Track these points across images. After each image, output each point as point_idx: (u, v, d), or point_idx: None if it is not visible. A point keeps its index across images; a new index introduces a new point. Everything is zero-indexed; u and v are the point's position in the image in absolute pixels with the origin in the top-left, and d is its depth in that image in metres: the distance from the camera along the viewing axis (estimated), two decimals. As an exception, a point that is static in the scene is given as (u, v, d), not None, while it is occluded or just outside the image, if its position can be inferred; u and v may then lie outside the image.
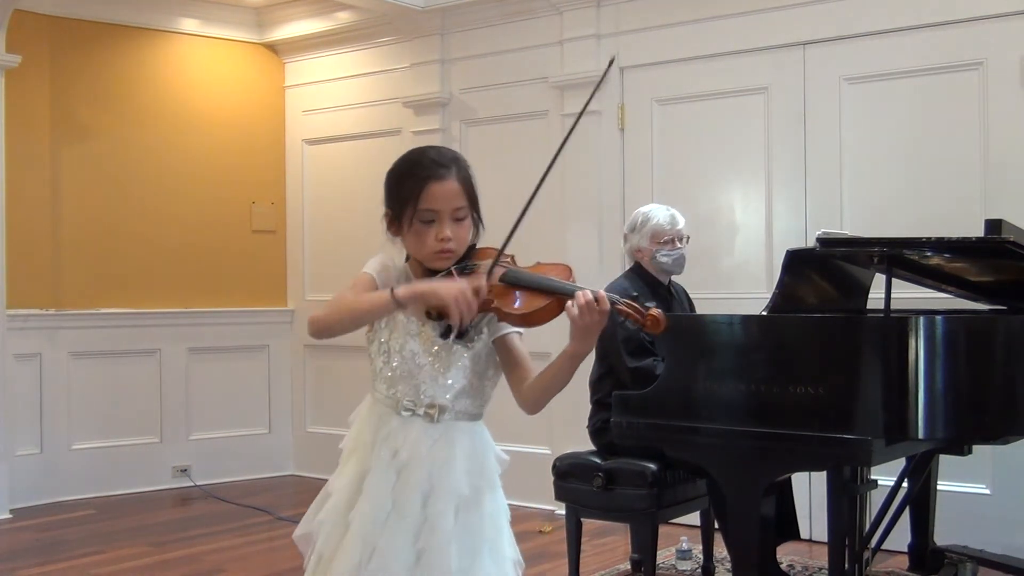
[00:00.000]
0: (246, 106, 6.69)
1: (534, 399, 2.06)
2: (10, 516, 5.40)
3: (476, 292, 1.94)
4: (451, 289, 1.92)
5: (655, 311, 1.95)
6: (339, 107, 6.54)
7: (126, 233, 6.22)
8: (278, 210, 6.81)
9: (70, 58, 6.05)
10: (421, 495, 2.02)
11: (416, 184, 2.04)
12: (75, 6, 6.04)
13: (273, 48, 6.77)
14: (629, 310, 1.95)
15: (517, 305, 1.98)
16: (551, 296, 1.97)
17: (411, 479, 2.02)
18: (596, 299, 1.92)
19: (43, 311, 5.86)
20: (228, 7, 6.49)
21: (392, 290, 1.97)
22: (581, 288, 1.95)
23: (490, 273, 2.00)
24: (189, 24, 6.45)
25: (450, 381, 2.05)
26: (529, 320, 1.98)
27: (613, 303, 1.94)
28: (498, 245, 2.07)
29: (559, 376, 2.02)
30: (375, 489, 2.01)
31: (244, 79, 6.70)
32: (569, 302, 1.94)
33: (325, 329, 2.00)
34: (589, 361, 4.01)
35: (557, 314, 1.97)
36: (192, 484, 6.21)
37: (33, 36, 5.82)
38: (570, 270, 2.05)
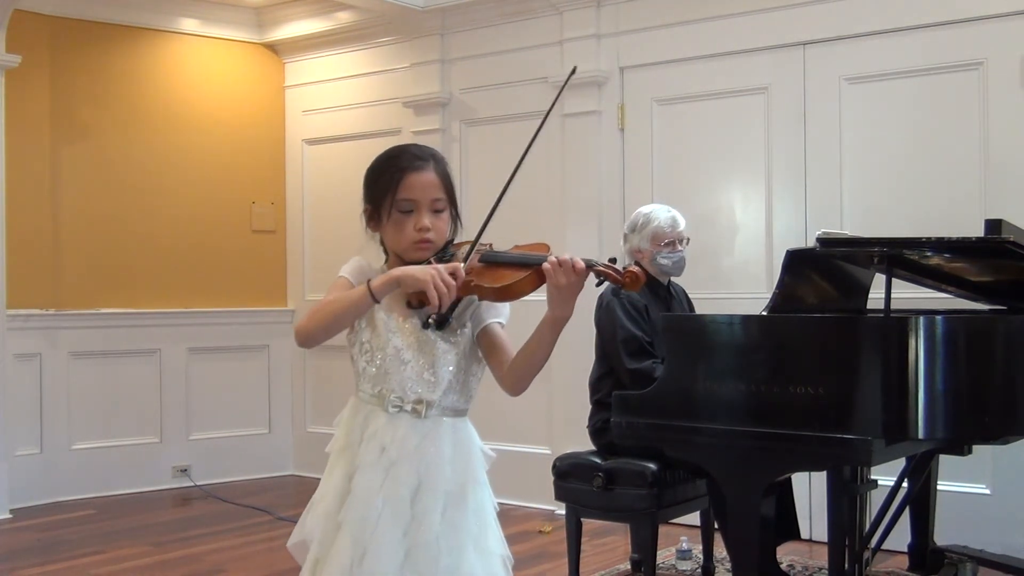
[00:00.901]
0: (246, 106, 6.69)
1: (517, 375, 2.06)
2: (10, 516, 5.40)
3: (453, 272, 1.95)
4: (426, 270, 1.95)
5: (633, 268, 1.97)
6: (339, 107, 6.54)
7: (126, 233, 6.23)
8: (278, 210, 6.81)
9: (70, 58, 6.06)
10: (409, 492, 2.02)
11: (395, 175, 2.07)
12: (75, 6, 6.04)
13: (273, 48, 6.77)
14: (608, 271, 1.97)
15: (495, 281, 1.99)
16: (528, 268, 1.98)
17: (400, 476, 2.02)
18: (572, 263, 1.93)
19: (43, 311, 5.87)
20: (228, 7, 6.50)
21: (368, 282, 1.98)
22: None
23: (467, 258, 2.02)
24: (189, 24, 6.45)
25: (436, 376, 2.06)
26: (508, 293, 1.99)
27: (591, 265, 1.96)
28: (487, 241, 2.09)
29: (541, 346, 2.02)
30: (364, 488, 2.02)
31: (244, 79, 6.70)
32: (544, 264, 1.95)
33: (309, 336, 2.02)
34: (589, 361, 4.02)
35: (536, 285, 1.98)
36: (192, 484, 6.21)
37: (33, 36, 5.82)
38: (548, 247, 2.05)
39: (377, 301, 1.99)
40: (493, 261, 2.04)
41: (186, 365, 6.37)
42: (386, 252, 2.17)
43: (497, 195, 2.06)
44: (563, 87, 2.28)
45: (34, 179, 5.88)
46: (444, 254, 2.09)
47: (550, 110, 2.26)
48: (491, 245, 2.09)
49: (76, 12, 6.06)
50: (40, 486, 5.73)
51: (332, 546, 2.02)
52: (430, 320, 2.00)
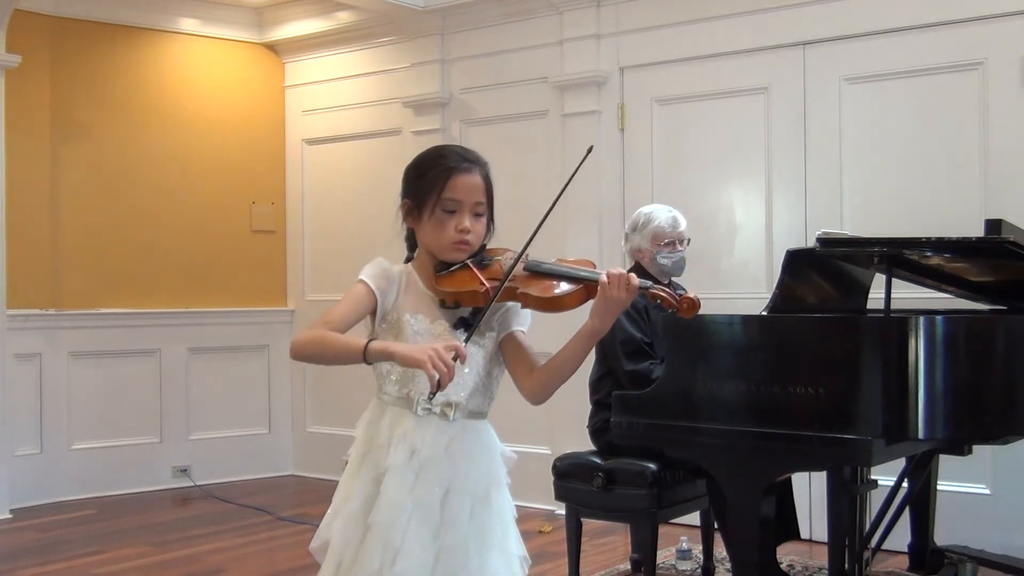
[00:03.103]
0: (246, 106, 6.69)
1: (543, 383, 2.07)
2: (10, 516, 5.40)
3: (454, 352, 1.90)
4: (425, 351, 1.88)
5: (690, 295, 1.99)
6: (339, 107, 6.54)
7: (126, 233, 6.22)
8: (278, 210, 6.81)
9: (70, 58, 6.05)
10: (439, 494, 2.03)
11: (443, 173, 2.07)
12: (75, 6, 6.04)
13: (273, 48, 6.77)
14: (663, 294, 1.99)
15: (543, 291, 2.01)
16: (578, 283, 2.00)
17: (430, 478, 2.02)
18: (628, 278, 1.96)
19: (43, 311, 5.86)
20: (228, 7, 6.49)
21: (367, 343, 1.97)
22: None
23: (511, 270, 2.03)
24: (189, 24, 6.45)
25: (464, 379, 2.06)
26: (555, 304, 2.00)
27: (647, 287, 1.99)
28: (505, 246, 2.11)
29: (573, 356, 2.03)
30: (394, 491, 2.01)
31: (244, 79, 6.70)
32: (602, 274, 1.97)
33: (301, 358, 2.04)
34: (589, 361, 4.01)
35: (583, 300, 2.01)
36: (192, 484, 6.21)
37: (33, 36, 5.82)
38: (595, 265, 2.08)
39: (368, 363, 1.99)
40: (540, 271, 2.05)
41: (186, 365, 6.37)
42: (411, 248, 2.16)
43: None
44: (580, 165, 2.28)
45: (34, 179, 5.88)
46: (482, 259, 2.10)
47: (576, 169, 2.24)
48: (527, 255, 2.09)
49: (76, 12, 6.05)
50: (40, 486, 5.72)
51: (360, 550, 2.01)
52: (459, 326, 2.01)
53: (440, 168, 2.08)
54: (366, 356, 1.96)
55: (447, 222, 2.06)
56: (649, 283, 2.02)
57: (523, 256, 2.06)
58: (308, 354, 2.01)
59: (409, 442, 2.03)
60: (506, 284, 2.00)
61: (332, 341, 1.99)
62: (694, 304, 1.96)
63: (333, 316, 2.02)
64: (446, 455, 2.04)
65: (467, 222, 2.06)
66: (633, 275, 1.98)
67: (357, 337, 2.01)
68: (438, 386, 1.89)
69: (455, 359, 1.89)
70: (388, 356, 1.96)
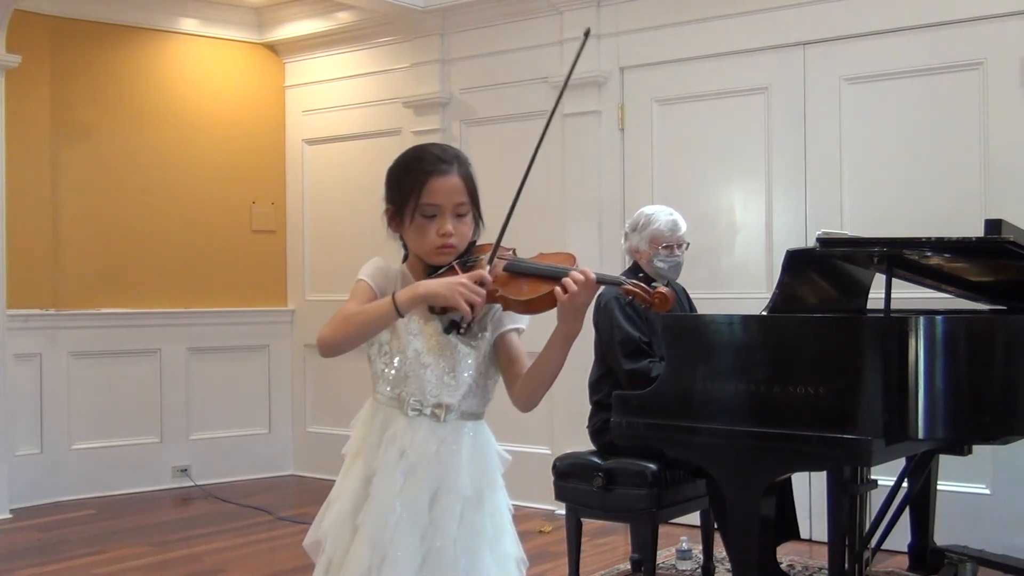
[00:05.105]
0: (246, 106, 6.69)
1: (529, 392, 2.05)
2: (10, 516, 5.40)
3: (479, 281, 1.93)
4: (451, 284, 1.92)
5: (663, 289, 1.96)
6: (339, 107, 6.54)
7: (126, 233, 6.22)
8: (278, 210, 6.81)
9: (70, 58, 6.06)
10: (428, 496, 2.01)
11: (419, 178, 2.04)
12: (75, 6, 6.04)
13: (273, 48, 6.77)
14: (636, 290, 1.96)
15: (521, 293, 1.98)
16: (555, 282, 1.96)
17: (419, 480, 2.01)
18: (587, 277, 1.93)
19: (43, 311, 5.87)
20: (228, 7, 6.50)
21: (393, 296, 1.96)
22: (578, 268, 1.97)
23: (491, 263, 2.00)
24: (189, 24, 6.45)
25: (457, 380, 2.04)
26: (533, 306, 1.98)
27: (620, 283, 1.97)
28: (510, 246, 2.08)
29: (552, 362, 2.01)
30: (383, 492, 2.00)
31: (244, 79, 6.70)
32: (564, 279, 1.93)
33: (333, 347, 2.00)
34: (589, 361, 4.02)
35: None
36: (192, 484, 6.21)
37: (33, 36, 5.82)
38: (574, 258, 2.03)
39: (402, 316, 1.97)
40: (519, 271, 2.01)
41: (186, 365, 6.37)
42: (406, 249, 2.15)
43: (505, 199, 2.05)
44: (579, 51, 2.26)
45: (34, 179, 5.88)
46: (467, 258, 2.07)
47: (567, 80, 2.25)
48: (515, 251, 2.06)
49: (76, 12, 6.06)
50: (40, 486, 5.72)
51: (349, 550, 2.01)
52: (460, 330, 1.98)
53: (417, 173, 2.04)
54: (398, 308, 1.94)
55: (428, 227, 2.03)
56: (623, 279, 2.00)
57: (501, 254, 2.03)
58: (341, 337, 1.98)
59: (399, 443, 2.02)
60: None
61: (360, 312, 1.99)
62: (666, 299, 1.94)
63: (347, 310, 2.02)
64: (436, 457, 2.02)
65: (448, 225, 2.03)
66: (590, 272, 1.94)
67: (381, 301, 1.99)
68: (473, 314, 1.92)
69: (482, 286, 1.93)
70: (418, 299, 1.95)
